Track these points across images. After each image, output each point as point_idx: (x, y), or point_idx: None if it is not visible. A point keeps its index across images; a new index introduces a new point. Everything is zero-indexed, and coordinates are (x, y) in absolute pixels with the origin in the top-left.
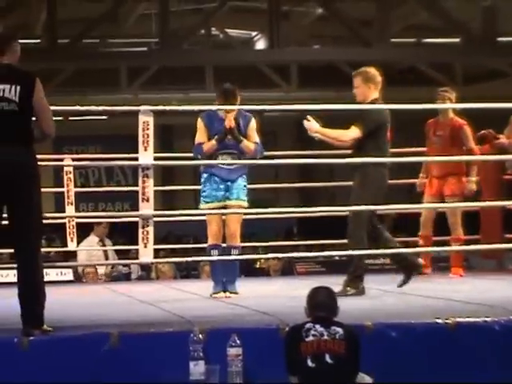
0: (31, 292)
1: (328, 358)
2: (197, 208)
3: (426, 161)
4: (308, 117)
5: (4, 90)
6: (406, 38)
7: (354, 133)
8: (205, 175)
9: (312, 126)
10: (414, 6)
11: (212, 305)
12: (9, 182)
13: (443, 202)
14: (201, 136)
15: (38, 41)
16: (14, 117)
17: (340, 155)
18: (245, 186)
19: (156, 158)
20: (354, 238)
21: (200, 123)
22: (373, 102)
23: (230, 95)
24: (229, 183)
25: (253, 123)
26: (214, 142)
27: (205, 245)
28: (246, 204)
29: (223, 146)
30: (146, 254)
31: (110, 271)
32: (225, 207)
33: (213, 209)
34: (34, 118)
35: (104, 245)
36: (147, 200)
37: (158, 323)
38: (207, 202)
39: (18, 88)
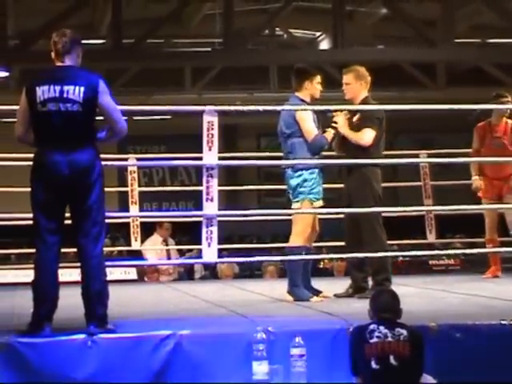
0: (95, 291)
1: (392, 360)
2: (260, 207)
3: (486, 162)
4: (337, 112)
5: (68, 91)
6: (470, 38)
7: (371, 134)
8: (316, 170)
9: (340, 121)
10: (479, 5)
11: (276, 305)
12: (74, 182)
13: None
14: (313, 126)
15: (103, 41)
16: (78, 117)
17: (403, 155)
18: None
19: (220, 158)
20: (377, 241)
21: (308, 112)
22: (364, 101)
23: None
24: None
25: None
26: (331, 135)
27: (268, 245)
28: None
29: None
30: (210, 254)
31: (173, 270)
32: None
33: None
34: (101, 118)
35: (167, 244)
36: (211, 200)
37: (222, 323)
38: (318, 199)
39: (82, 89)
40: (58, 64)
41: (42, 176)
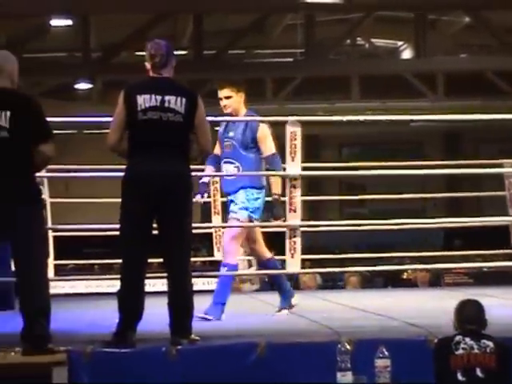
0: (181, 302)
1: (479, 372)
2: (342, 218)
3: None
4: None
5: (170, 101)
6: None
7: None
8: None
9: None
10: None
11: (359, 315)
12: (165, 193)
13: None
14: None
15: (185, 52)
16: (177, 128)
17: (487, 165)
18: (248, 198)
19: (302, 168)
20: None
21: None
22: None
23: None
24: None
25: (262, 130)
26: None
27: (351, 255)
28: (242, 217)
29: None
30: (293, 264)
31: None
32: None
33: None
34: None
35: (249, 255)
36: (294, 210)
37: (306, 333)
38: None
39: (184, 100)
40: (155, 75)
41: (135, 186)
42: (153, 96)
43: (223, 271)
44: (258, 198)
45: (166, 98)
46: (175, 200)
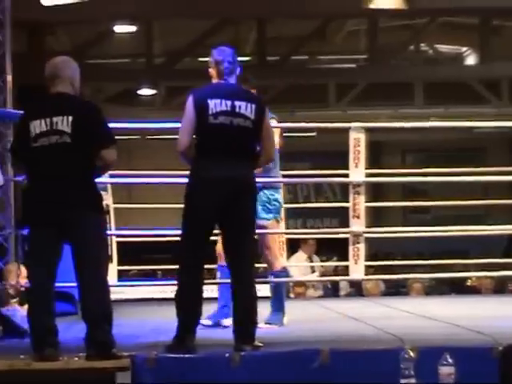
0: (246, 308)
1: None
2: (405, 225)
3: None
4: None
5: (240, 107)
6: None
7: None
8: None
9: None
10: None
11: (423, 322)
12: (233, 198)
13: None
14: None
15: (248, 58)
16: (247, 133)
17: None
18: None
19: (366, 175)
20: None
21: None
22: None
23: None
24: None
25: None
26: None
27: (414, 262)
28: (267, 222)
29: None
30: (357, 271)
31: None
32: None
33: None
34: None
35: (312, 261)
36: (358, 217)
37: (369, 340)
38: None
39: (254, 106)
40: (221, 81)
41: (201, 191)
42: (223, 101)
43: (276, 278)
44: (278, 199)
45: (237, 103)
46: (242, 206)
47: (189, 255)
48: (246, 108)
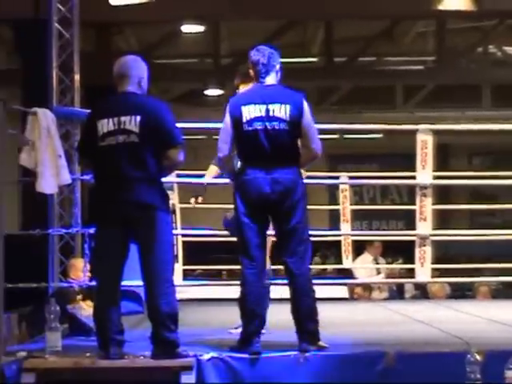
0: (306, 309)
1: None
2: (472, 228)
3: None
4: None
5: (274, 110)
6: None
7: None
8: None
9: None
10: None
11: (490, 326)
12: (276, 201)
13: None
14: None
15: (315, 59)
16: (284, 136)
17: None
18: None
19: (433, 177)
20: None
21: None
22: None
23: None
24: None
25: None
26: None
27: (480, 265)
28: None
29: None
30: (423, 273)
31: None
32: None
33: None
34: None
35: (377, 263)
36: (424, 219)
37: (434, 343)
38: None
39: (288, 107)
40: (259, 83)
41: (245, 194)
42: (257, 106)
43: None
44: None
45: (270, 106)
46: (287, 208)
47: (246, 257)
48: (279, 111)
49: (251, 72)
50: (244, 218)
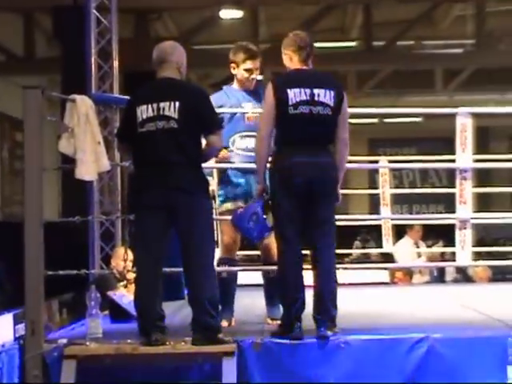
0: (328, 293)
1: None
2: None
3: None
4: None
5: (319, 95)
6: None
7: None
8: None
9: None
10: None
11: None
12: (315, 185)
13: None
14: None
15: (354, 43)
16: (327, 121)
17: None
18: None
19: (473, 160)
20: None
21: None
22: None
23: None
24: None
25: None
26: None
27: None
28: None
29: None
30: (464, 257)
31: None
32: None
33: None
34: None
35: (418, 247)
36: (464, 202)
37: (476, 326)
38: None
39: (333, 93)
40: (301, 68)
41: (288, 177)
42: (302, 90)
43: None
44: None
45: (316, 91)
46: (325, 192)
47: (285, 243)
48: (324, 95)
49: (290, 57)
50: (282, 203)
